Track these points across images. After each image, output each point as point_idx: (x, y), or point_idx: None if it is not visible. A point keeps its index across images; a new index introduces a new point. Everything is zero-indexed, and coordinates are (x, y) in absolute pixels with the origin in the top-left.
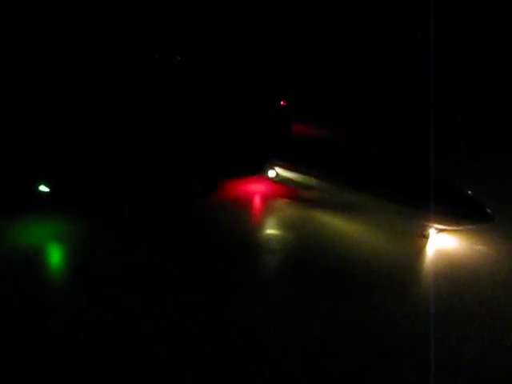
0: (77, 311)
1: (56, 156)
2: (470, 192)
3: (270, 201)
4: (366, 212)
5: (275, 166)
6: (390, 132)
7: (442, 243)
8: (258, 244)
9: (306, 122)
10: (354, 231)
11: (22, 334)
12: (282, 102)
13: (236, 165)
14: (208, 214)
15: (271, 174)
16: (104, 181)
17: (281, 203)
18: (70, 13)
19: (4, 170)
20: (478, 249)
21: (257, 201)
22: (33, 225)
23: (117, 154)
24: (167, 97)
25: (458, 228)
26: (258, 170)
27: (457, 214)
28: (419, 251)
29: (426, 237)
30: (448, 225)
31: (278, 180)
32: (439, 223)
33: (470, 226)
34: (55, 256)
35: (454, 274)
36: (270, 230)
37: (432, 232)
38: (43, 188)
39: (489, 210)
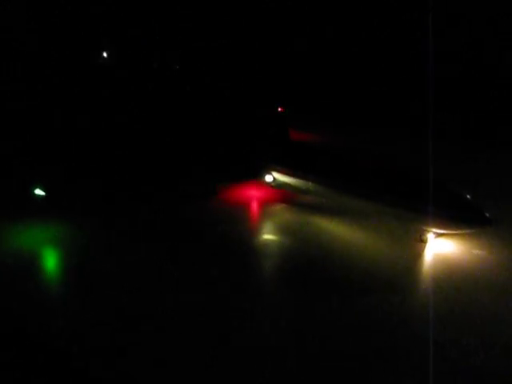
0: (77, 311)
1: (51, 159)
2: (468, 196)
3: (267, 205)
4: (364, 216)
5: (272, 171)
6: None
7: (441, 248)
8: (255, 247)
9: (304, 129)
10: (351, 236)
11: (21, 335)
12: (279, 109)
13: (234, 169)
14: (205, 218)
15: (268, 178)
16: (100, 183)
17: (278, 208)
18: (70, 18)
19: (0, 173)
20: (476, 253)
21: (254, 205)
22: (30, 227)
23: (115, 158)
24: (165, 103)
25: (457, 232)
26: (256, 175)
27: (455, 218)
28: (417, 256)
29: (424, 241)
30: (446, 229)
31: (276, 185)
32: (437, 227)
33: (469, 230)
34: (53, 258)
35: (452, 279)
36: (267, 234)
37: (430, 236)
38: (39, 191)
39: (487, 214)
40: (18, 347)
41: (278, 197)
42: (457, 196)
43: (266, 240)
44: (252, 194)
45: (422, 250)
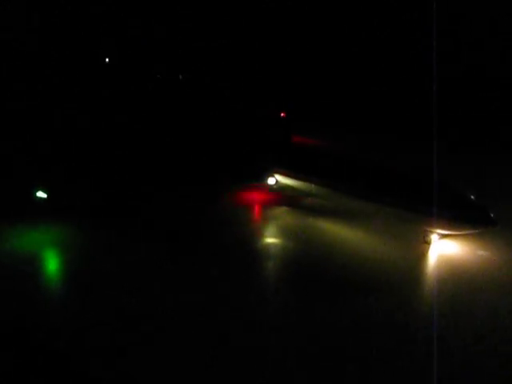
0: (77, 311)
1: (53, 162)
2: (472, 196)
3: (269, 208)
4: (367, 218)
5: (275, 174)
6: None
7: (445, 249)
8: (257, 249)
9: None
10: (354, 238)
11: (21, 335)
12: (282, 114)
13: (237, 172)
14: (207, 220)
15: (271, 181)
16: (102, 185)
17: (280, 210)
18: (71, 19)
19: (2, 176)
20: (481, 254)
21: (257, 208)
22: (31, 229)
23: (118, 160)
24: (171, 107)
25: (461, 233)
26: (258, 178)
27: (459, 219)
28: (421, 258)
29: (428, 243)
30: (450, 230)
31: (278, 187)
32: (441, 228)
33: (473, 231)
34: (54, 259)
35: (457, 280)
36: (270, 237)
37: (434, 238)
38: (41, 194)
39: (492, 215)
40: (18, 347)
41: (281, 199)
42: (460, 196)
43: (269, 242)
44: (254, 197)
45: (426, 252)
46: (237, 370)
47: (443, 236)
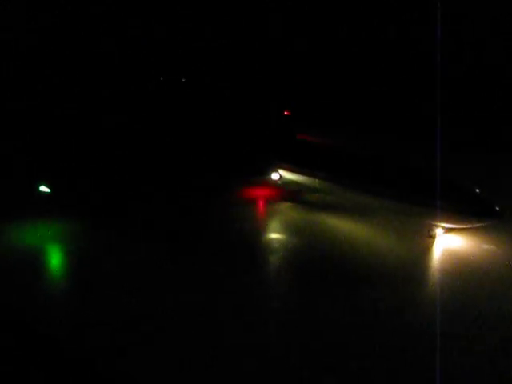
0: (77, 311)
1: (57, 157)
2: (477, 190)
3: (273, 203)
4: (371, 213)
5: (279, 169)
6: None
7: (450, 243)
8: (262, 245)
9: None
10: (358, 232)
11: (21, 335)
12: (285, 112)
13: (241, 168)
14: (212, 216)
15: (275, 176)
16: (105, 183)
17: (285, 205)
18: (71, 19)
19: (5, 170)
20: (486, 248)
21: (261, 203)
22: (33, 225)
23: (121, 158)
24: (175, 107)
25: (466, 226)
26: (262, 173)
27: (464, 212)
28: (426, 252)
29: (433, 237)
30: (455, 223)
31: (282, 182)
32: (446, 222)
33: (478, 224)
34: (54, 257)
35: (462, 274)
36: (275, 231)
37: (439, 231)
38: (44, 188)
39: (497, 208)
40: (18, 347)
41: (285, 194)
42: (465, 190)
43: (273, 237)
44: (258, 192)
45: (431, 246)
46: (237, 370)
47: (448, 230)
